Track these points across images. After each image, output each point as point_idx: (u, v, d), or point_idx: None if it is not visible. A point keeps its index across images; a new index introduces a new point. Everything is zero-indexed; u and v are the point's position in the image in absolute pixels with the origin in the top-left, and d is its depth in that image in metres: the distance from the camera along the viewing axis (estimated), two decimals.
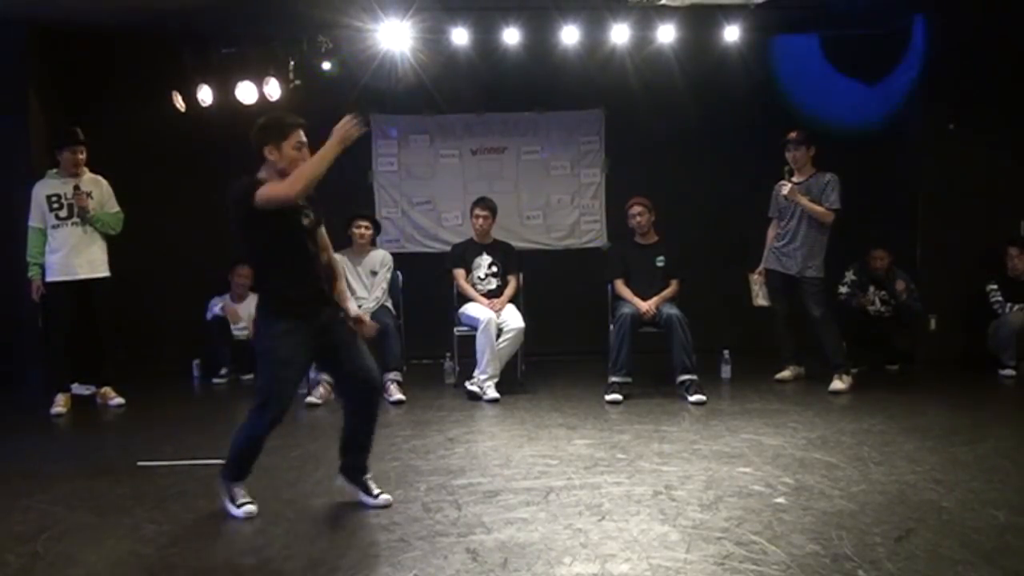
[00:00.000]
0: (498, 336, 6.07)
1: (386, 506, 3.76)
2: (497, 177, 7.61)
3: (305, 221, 3.66)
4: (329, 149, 3.44)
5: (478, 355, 6.03)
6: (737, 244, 6.83)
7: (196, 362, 6.97)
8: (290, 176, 3.50)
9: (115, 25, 6.50)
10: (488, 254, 6.48)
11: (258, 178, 3.59)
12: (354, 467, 3.87)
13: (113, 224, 5.90)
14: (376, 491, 3.81)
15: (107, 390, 6.03)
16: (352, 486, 3.86)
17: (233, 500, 3.72)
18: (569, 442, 4.81)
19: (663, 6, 6.35)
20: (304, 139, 3.62)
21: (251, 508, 3.70)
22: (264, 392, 3.62)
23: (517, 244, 6.97)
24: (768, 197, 6.22)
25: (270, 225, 3.55)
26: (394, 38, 6.52)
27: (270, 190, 3.49)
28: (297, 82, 6.63)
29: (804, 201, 5.91)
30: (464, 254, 6.50)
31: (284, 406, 3.60)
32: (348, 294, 3.91)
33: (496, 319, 6.10)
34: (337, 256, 6.13)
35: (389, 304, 6.39)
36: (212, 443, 4.64)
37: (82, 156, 5.79)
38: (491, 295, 6.34)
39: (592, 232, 7.67)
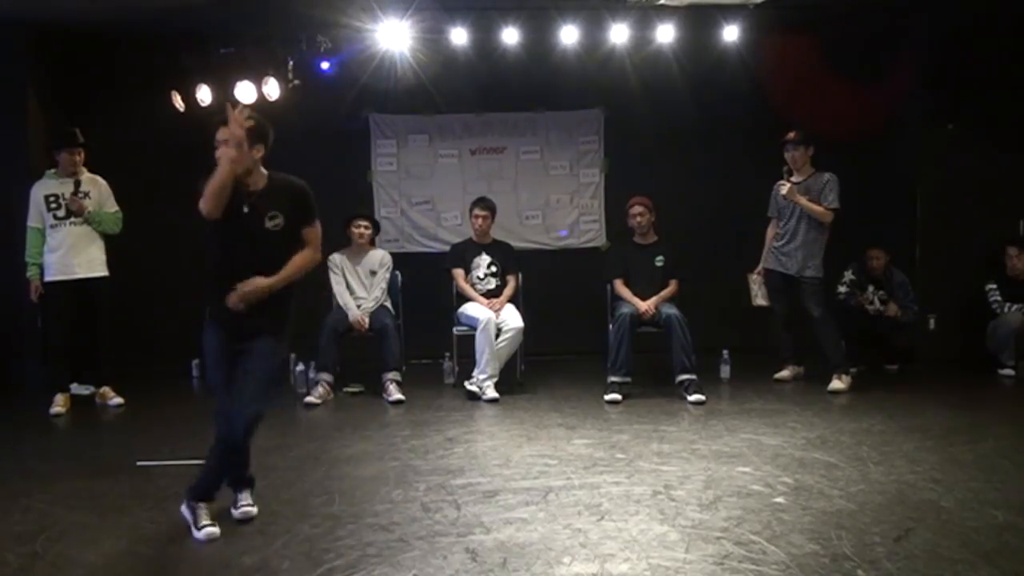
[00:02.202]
0: (497, 336, 6.07)
1: (244, 520, 3.61)
2: (496, 177, 7.61)
3: (269, 224, 3.52)
4: (220, 170, 3.39)
5: (477, 355, 6.03)
6: (737, 244, 6.83)
7: (195, 362, 6.95)
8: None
9: (114, 25, 6.49)
10: (487, 254, 6.47)
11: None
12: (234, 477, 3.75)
13: (112, 224, 5.90)
14: (242, 503, 3.68)
15: (106, 390, 6.02)
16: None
17: (195, 522, 3.53)
18: (568, 442, 4.81)
19: (662, 6, 6.35)
20: (220, 136, 3.46)
21: (212, 531, 3.48)
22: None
23: (516, 244, 6.97)
24: (767, 197, 6.22)
25: (209, 225, 3.49)
26: (393, 38, 6.52)
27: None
28: (296, 82, 6.63)
29: (803, 201, 5.90)
30: (463, 254, 6.50)
31: (222, 398, 3.56)
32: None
33: (495, 319, 6.10)
34: (336, 256, 6.24)
35: (388, 304, 6.39)
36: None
37: (79, 158, 5.78)
38: (490, 295, 6.34)
39: (591, 232, 7.67)
